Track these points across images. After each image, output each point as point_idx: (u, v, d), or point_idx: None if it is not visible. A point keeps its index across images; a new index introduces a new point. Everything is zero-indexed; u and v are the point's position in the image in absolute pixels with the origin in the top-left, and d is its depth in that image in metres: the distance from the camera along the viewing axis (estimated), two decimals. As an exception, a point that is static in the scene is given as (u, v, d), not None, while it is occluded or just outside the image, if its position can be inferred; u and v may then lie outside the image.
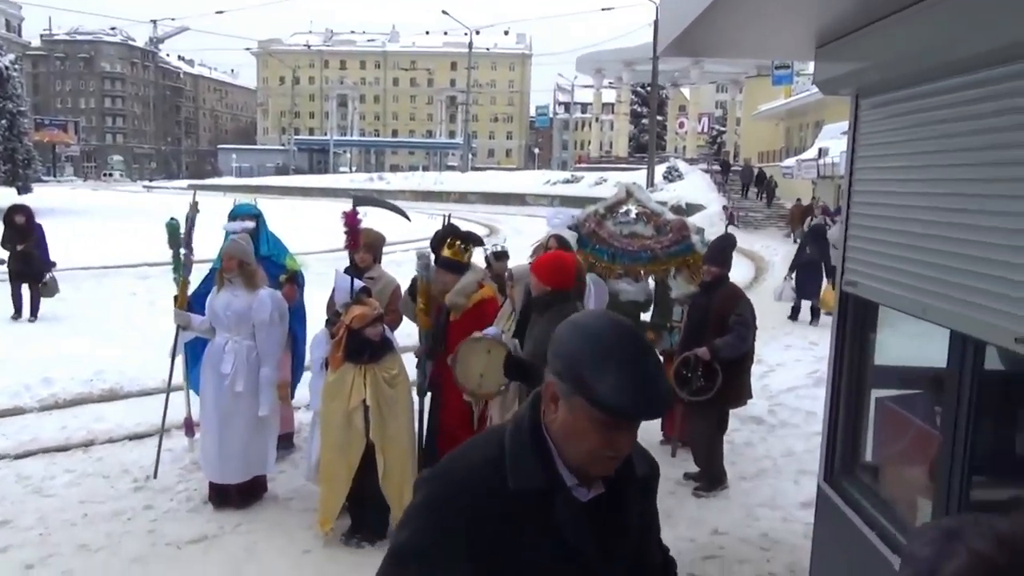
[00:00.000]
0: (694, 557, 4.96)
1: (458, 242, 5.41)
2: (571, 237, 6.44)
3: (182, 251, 5.84)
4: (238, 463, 5.36)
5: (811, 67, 3.69)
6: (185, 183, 55.08)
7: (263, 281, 5.46)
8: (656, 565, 1.80)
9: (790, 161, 38.09)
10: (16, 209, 12.22)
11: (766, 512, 5.70)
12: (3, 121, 31.62)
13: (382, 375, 4.75)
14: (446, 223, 6.05)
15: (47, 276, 11.87)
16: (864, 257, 3.13)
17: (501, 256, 6.13)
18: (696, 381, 5.84)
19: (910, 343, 3.60)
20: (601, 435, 1.47)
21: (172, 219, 5.97)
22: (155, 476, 5.86)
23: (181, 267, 5.82)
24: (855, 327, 3.28)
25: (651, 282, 7.28)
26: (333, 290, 5.51)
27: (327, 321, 5.42)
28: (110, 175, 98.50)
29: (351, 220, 5.58)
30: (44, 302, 11.97)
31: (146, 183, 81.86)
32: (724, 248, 6.22)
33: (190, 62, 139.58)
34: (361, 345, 4.70)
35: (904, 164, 2.82)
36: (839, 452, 3.37)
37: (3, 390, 7.97)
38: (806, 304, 13.29)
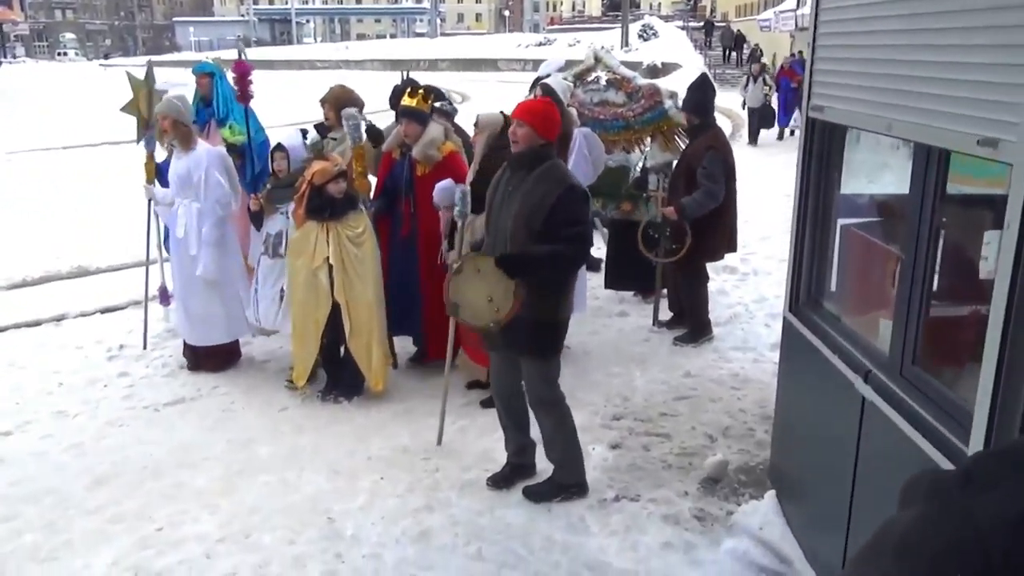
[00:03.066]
0: (667, 398, 5.09)
1: (420, 90, 5.19)
2: (560, 87, 5.97)
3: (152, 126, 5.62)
4: (204, 327, 5.34)
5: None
6: (143, 60, 53.00)
7: (197, 140, 5.26)
8: None
9: (768, 13, 36.91)
10: None
11: (737, 355, 5.81)
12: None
13: (346, 233, 4.66)
14: (404, 77, 5.80)
15: None
16: (830, 79, 3.03)
17: (445, 114, 5.56)
18: (665, 242, 5.79)
19: (875, 176, 3.56)
20: None
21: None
22: (144, 347, 5.82)
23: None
24: (821, 152, 3.22)
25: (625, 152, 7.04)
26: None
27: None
28: (64, 54, 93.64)
29: (240, 68, 5.25)
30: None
31: (102, 61, 78.36)
32: (697, 93, 5.98)
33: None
34: (323, 202, 4.59)
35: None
36: (803, 281, 3.37)
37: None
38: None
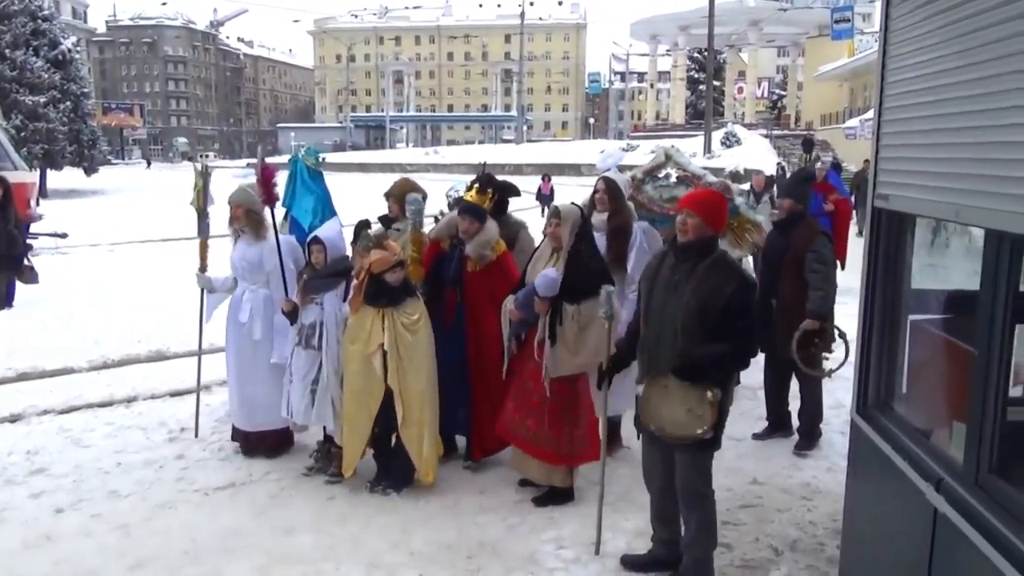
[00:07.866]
0: (730, 506, 4.78)
1: (483, 187, 5.19)
2: (622, 181, 5.94)
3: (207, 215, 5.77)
4: (260, 411, 5.33)
5: (875, 24, 3.41)
6: (244, 162, 56.18)
7: (269, 229, 5.32)
8: None
9: (853, 122, 36.70)
10: None
11: (809, 463, 5.48)
12: (67, 103, 32.48)
13: (401, 320, 4.64)
14: (482, 171, 5.80)
15: (27, 260, 10.29)
16: (895, 167, 2.89)
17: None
18: (818, 354, 5.50)
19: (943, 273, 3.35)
20: None
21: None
22: (196, 435, 5.83)
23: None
24: (888, 245, 3.04)
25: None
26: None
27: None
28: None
29: (265, 173, 5.21)
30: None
31: (209, 163, 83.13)
32: (800, 181, 5.95)
33: (249, 43, 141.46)
34: (379, 289, 4.60)
35: (938, 55, 2.56)
36: (872, 381, 3.14)
37: (56, 351, 8.16)
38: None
